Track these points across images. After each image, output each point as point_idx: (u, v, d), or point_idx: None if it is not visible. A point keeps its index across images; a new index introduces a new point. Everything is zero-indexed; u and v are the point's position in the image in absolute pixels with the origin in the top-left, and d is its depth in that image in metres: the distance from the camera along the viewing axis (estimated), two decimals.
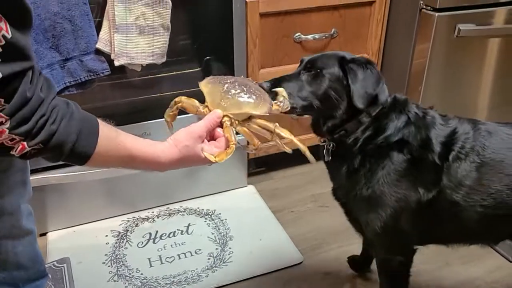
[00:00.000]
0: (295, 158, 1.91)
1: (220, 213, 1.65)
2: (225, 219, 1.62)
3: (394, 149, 0.97)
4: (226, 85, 0.85)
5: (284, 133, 0.84)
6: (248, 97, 0.84)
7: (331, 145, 1.02)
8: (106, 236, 1.53)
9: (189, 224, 1.60)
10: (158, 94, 1.59)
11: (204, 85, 0.87)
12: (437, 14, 1.55)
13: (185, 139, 0.79)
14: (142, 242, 1.51)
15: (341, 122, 1.00)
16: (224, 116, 0.83)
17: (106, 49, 1.28)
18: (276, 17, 1.59)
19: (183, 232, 1.56)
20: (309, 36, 1.65)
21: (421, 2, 1.59)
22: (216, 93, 0.84)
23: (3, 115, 0.61)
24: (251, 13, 1.53)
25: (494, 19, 1.63)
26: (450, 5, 1.56)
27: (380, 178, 0.97)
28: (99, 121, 0.73)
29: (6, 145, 0.64)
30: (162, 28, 1.30)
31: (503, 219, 0.97)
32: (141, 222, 1.60)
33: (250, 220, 1.62)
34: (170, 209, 1.66)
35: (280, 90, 0.91)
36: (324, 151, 1.04)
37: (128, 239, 1.52)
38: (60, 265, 1.38)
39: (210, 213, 1.65)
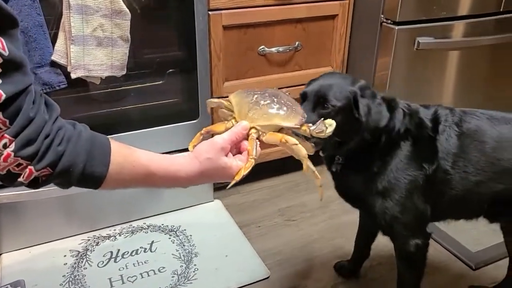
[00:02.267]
0: (262, 172, 1.90)
1: (185, 229, 1.61)
2: (190, 235, 1.58)
3: (402, 139, 1.06)
4: (256, 96, 0.81)
5: (308, 166, 0.80)
6: (278, 108, 0.79)
7: (341, 159, 1.09)
8: (65, 256, 1.46)
9: (153, 241, 1.55)
10: (119, 108, 1.55)
11: (234, 96, 0.83)
12: (397, 27, 1.58)
13: (206, 151, 0.74)
14: (103, 262, 1.45)
15: (353, 144, 1.05)
16: (251, 128, 0.78)
17: (62, 61, 1.24)
18: (239, 29, 1.58)
19: (146, 250, 1.51)
20: (273, 49, 1.65)
21: (382, 16, 1.62)
22: (245, 104, 0.80)
23: (7, 136, 0.57)
24: (214, 25, 1.52)
25: (452, 33, 1.67)
26: (409, 19, 1.60)
27: (393, 167, 1.05)
28: (110, 139, 0.69)
29: (13, 171, 0.60)
30: (121, 40, 1.27)
31: (482, 186, 1.05)
32: (102, 240, 1.54)
33: (216, 236, 1.59)
34: (133, 226, 1.61)
35: (328, 120, 0.86)
36: (334, 164, 1.10)
37: (88, 258, 1.46)
38: None
39: (175, 229, 1.60)
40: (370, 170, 1.06)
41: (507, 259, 1.31)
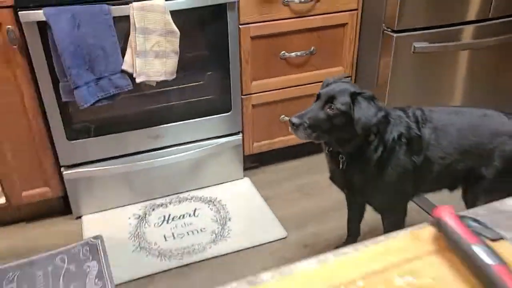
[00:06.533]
0: (284, 155, 2.27)
1: (221, 200, 2.01)
2: (225, 205, 1.98)
3: (397, 143, 1.30)
4: None
5: None
6: None
7: (343, 158, 1.33)
8: (129, 218, 1.90)
9: (196, 208, 1.96)
10: (168, 103, 1.94)
11: None
12: (395, 35, 1.90)
13: None
14: (158, 223, 1.87)
15: (353, 143, 1.29)
16: None
17: (129, 70, 1.64)
18: (264, 39, 1.94)
19: (191, 215, 1.92)
20: (292, 54, 2.00)
21: (383, 25, 1.93)
22: None
23: None
24: (244, 36, 1.88)
25: (443, 38, 1.97)
26: (406, 27, 1.91)
27: (391, 167, 1.32)
28: None
29: None
30: (172, 53, 1.66)
31: (452, 167, 1.35)
32: (157, 207, 1.96)
33: (245, 205, 1.98)
34: (180, 197, 2.02)
35: None
36: (339, 161, 1.34)
37: (146, 220, 1.89)
38: (94, 240, 1.74)
39: (213, 200, 2.01)
40: (370, 169, 1.30)
41: None
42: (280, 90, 2.06)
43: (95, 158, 1.84)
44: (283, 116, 2.11)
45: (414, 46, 1.93)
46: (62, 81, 1.61)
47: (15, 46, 1.56)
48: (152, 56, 1.64)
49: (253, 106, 2.03)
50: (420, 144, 1.34)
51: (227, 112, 1.98)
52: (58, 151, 1.79)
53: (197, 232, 1.82)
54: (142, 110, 1.91)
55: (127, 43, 1.63)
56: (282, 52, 1.99)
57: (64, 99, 1.65)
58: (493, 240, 0.40)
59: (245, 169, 2.17)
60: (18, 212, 1.93)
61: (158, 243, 1.76)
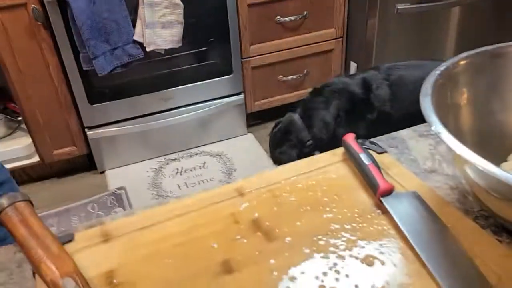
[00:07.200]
0: (283, 112, 2.48)
1: (227, 154, 2.26)
2: (231, 157, 2.23)
3: (336, 121, 1.50)
4: None
5: None
6: None
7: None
8: (147, 171, 2.16)
9: (205, 162, 2.21)
10: (176, 68, 2.17)
11: None
12: None
13: None
14: (173, 175, 2.14)
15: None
16: None
17: (140, 39, 1.85)
18: (260, 5, 2.12)
19: (201, 167, 2.18)
20: (287, 18, 2.18)
21: None
22: None
23: None
24: (241, 5, 2.07)
25: None
26: None
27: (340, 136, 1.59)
28: None
29: None
30: (177, 23, 1.87)
31: (412, 112, 1.54)
32: (171, 161, 2.23)
33: (248, 158, 2.23)
34: (191, 152, 2.28)
35: None
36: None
37: (162, 173, 2.15)
38: (119, 191, 2.02)
39: (220, 154, 2.26)
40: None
41: None
42: (277, 52, 2.25)
43: (115, 119, 2.09)
44: (281, 76, 2.32)
45: (397, 8, 2.10)
46: (82, 52, 1.84)
47: (39, 23, 1.78)
48: (160, 27, 1.84)
49: (253, 68, 2.24)
50: (369, 105, 1.48)
51: (229, 74, 2.19)
52: (82, 114, 2.05)
53: (207, 181, 2.09)
54: (154, 75, 2.14)
55: (137, 16, 1.84)
56: (277, 17, 2.17)
57: (84, 68, 1.88)
58: (379, 153, 0.64)
59: (248, 125, 2.41)
60: (50, 169, 2.21)
61: (173, 192, 2.03)
